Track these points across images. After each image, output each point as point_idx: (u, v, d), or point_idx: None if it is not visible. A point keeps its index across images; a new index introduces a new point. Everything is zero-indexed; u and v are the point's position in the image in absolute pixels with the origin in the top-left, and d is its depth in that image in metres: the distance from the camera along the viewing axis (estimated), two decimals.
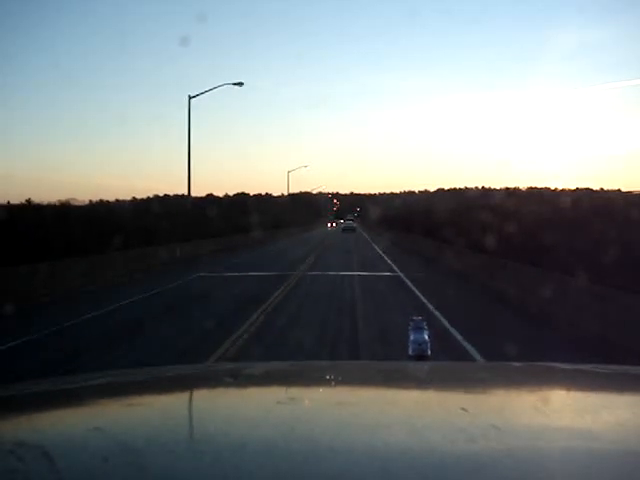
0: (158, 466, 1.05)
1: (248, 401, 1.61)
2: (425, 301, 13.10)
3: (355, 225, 79.61)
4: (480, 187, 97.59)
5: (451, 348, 8.29)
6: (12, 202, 18.18)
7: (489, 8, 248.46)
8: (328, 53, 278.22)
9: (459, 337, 9.22)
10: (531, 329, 10.27)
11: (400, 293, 14.94)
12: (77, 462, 1.06)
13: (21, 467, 1.03)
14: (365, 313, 11.77)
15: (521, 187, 63.55)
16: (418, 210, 41.59)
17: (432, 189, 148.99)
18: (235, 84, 31.00)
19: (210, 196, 78.03)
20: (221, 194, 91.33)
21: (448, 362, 3.70)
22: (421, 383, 1.81)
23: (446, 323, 10.36)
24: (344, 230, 70.87)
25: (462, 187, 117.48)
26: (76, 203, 24.21)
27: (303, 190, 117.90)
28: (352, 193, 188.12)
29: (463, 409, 1.35)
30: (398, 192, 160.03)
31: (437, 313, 11.31)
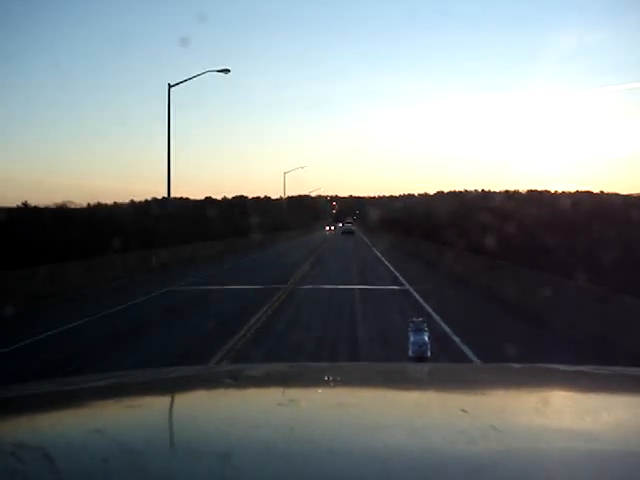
0: (158, 467, 1.05)
1: (248, 402, 1.61)
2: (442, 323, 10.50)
3: (354, 228, 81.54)
4: (480, 190, 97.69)
5: (449, 351, 8.29)
6: (9, 205, 18.16)
7: (489, 9, 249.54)
8: (327, 54, 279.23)
9: (456, 339, 9.24)
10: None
11: (406, 302, 14.77)
12: (77, 463, 1.06)
13: (21, 468, 1.03)
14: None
15: (521, 190, 63.63)
16: (418, 213, 41.55)
17: (432, 192, 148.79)
18: (220, 71, 29.56)
19: (209, 199, 78.13)
20: (219, 197, 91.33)
21: (448, 364, 3.70)
22: (421, 384, 1.81)
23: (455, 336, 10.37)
24: (343, 233, 73.71)
25: (462, 190, 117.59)
26: (72, 206, 24.21)
27: (302, 193, 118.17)
28: (351, 196, 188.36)
29: (463, 410, 1.35)
30: (397, 195, 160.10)
31: (437, 317, 11.30)
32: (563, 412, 1.43)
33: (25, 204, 18.74)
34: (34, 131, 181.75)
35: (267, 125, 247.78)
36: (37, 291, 14.61)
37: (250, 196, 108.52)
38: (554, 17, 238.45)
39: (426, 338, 2.15)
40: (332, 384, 1.88)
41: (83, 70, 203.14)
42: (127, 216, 26.42)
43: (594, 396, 1.63)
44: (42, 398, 1.56)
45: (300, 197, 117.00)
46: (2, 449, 1.15)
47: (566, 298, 10.59)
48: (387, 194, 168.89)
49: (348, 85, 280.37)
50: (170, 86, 28.58)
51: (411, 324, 2.21)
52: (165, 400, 1.64)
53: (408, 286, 16.28)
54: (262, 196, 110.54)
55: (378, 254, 31.36)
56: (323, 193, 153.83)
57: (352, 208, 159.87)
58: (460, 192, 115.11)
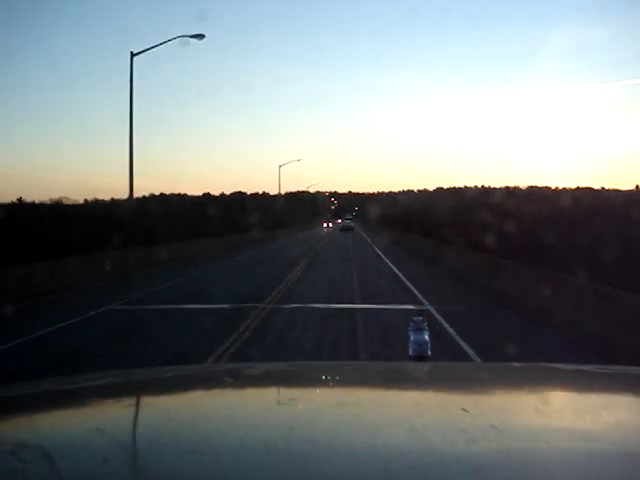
0: (158, 466, 1.05)
1: (248, 401, 1.60)
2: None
3: (353, 225, 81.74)
4: (480, 186, 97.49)
5: (449, 351, 8.29)
6: (5, 202, 18.13)
7: (488, 7, 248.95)
8: (327, 50, 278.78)
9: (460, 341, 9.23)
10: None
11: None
12: (77, 462, 1.06)
13: (22, 467, 1.03)
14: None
15: (521, 186, 63.54)
16: (418, 209, 41.43)
17: (431, 188, 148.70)
18: (193, 37, 27.13)
19: (207, 195, 77.99)
20: (217, 193, 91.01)
21: (448, 363, 3.70)
22: (421, 384, 1.80)
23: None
24: (342, 230, 73.98)
25: (461, 186, 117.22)
26: (68, 202, 24.08)
27: (301, 189, 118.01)
28: (350, 192, 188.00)
29: (463, 410, 1.35)
30: (397, 191, 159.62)
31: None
32: (563, 412, 1.43)
33: (20, 200, 18.73)
34: (29, 128, 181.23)
35: (266, 121, 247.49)
36: (37, 287, 14.68)
37: (249, 192, 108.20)
38: (554, 13, 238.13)
39: (426, 337, 2.15)
40: (332, 383, 1.88)
41: (84, 70, 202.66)
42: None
43: (594, 396, 1.63)
44: (42, 397, 1.56)
45: (299, 193, 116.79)
46: (2, 448, 1.15)
47: (566, 295, 10.59)
48: (386, 190, 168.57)
49: (348, 81, 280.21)
50: (133, 55, 25.03)
51: (411, 323, 2.20)
52: (165, 399, 1.64)
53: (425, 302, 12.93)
54: (260, 192, 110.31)
55: (379, 252, 31.29)
56: (322, 189, 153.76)
57: (351, 204, 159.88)
58: (460, 188, 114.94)
